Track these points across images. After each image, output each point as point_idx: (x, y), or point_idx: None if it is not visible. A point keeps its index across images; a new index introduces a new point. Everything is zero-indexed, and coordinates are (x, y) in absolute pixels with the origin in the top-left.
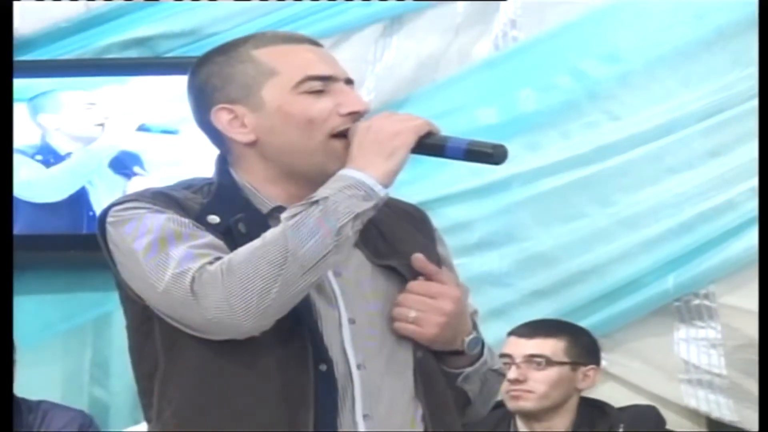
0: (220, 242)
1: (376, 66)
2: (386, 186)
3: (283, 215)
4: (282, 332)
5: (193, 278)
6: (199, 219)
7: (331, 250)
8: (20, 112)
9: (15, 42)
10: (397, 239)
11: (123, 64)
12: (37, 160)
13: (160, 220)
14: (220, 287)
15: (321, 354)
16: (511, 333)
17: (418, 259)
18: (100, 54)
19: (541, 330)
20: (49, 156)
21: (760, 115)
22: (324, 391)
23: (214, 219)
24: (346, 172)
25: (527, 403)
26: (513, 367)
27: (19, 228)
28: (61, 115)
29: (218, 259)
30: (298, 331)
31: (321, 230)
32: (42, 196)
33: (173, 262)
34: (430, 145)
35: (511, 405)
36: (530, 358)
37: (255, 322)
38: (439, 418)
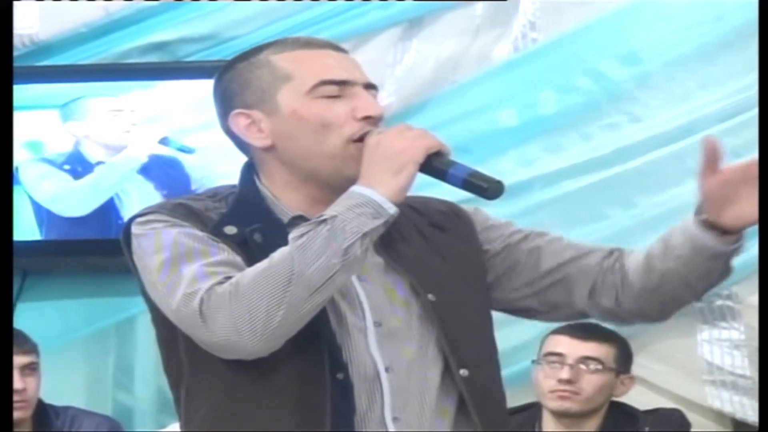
0: (234, 258)
1: (395, 68)
2: (396, 202)
3: (291, 235)
4: (299, 343)
5: (202, 300)
6: (217, 230)
7: (339, 270)
8: (52, 120)
9: (35, 47)
10: (418, 247)
11: (151, 68)
12: (65, 170)
13: (176, 236)
14: (227, 310)
15: (338, 363)
16: (560, 332)
17: None
18: (120, 59)
19: (595, 333)
20: (77, 165)
21: (760, 114)
22: (341, 400)
23: (231, 230)
24: (356, 189)
25: (573, 405)
26: (566, 367)
27: (46, 234)
28: (88, 122)
29: (229, 278)
30: (314, 341)
31: (328, 250)
32: (67, 210)
33: (185, 281)
34: (434, 166)
35: (555, 405)
36: (584, 360)
37: (262, 344)
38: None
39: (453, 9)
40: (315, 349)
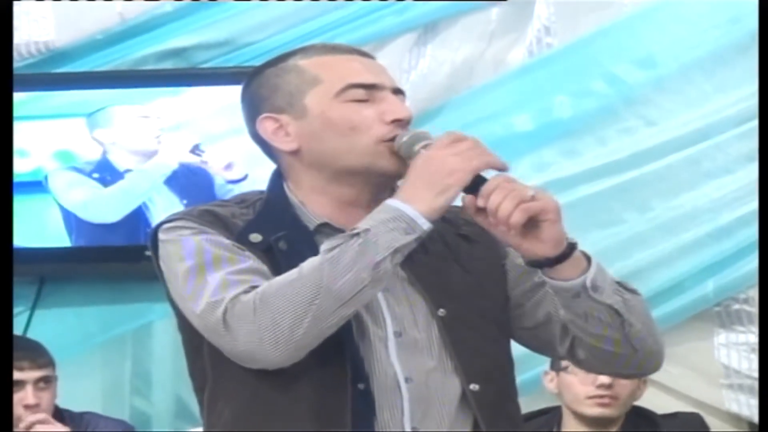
0: (260, 266)
1: (411, 74)
2: (431, 220)
3: (323, 246)
4: (321, 352)
5: (226, 309)
6: (242, 237)
7: (368, 285)
8: (80, 128)
9: (51, 55)
10: (439, 257)
11: (178, 74)
12: (94, 178)
13: (201, 243)
14: (251, 319)
15: (359, 372)
16: None
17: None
18: (136, 65)
19: None
20: (106, 174)
21: (760, 116)
22: (362, 410)
23: (256, 237)
24: (392, 202)
25: (614, 411)
26: None
27: (75, 241)
28: (115, 129)
29: (254, 287)
30: (337, 350)
31: (358, 264)
32: (98, 217)
33: (209, 290)
34: (472, 184)
35: (594, 411)
36: None
37: (285, 355)
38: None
39: (468, 14)
40: (337, 358)
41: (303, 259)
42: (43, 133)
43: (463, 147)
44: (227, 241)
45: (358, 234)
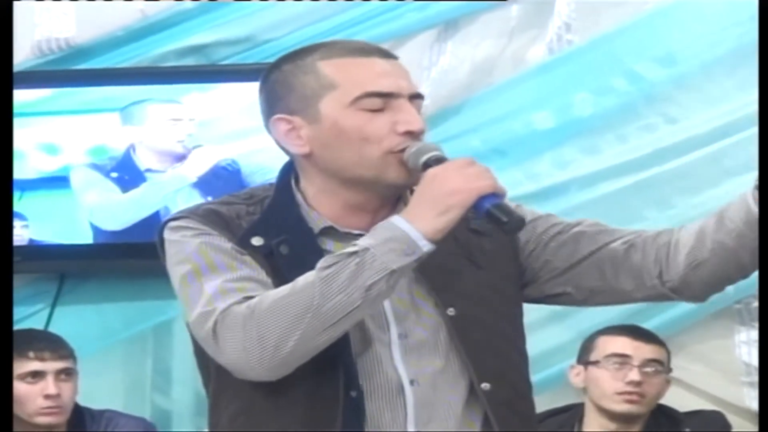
0: (257, 273)
1: (431, 71)
2: (434, 241)
3: (319, 264)
4: (317, 358)
5: (216, 321)
6: (244, 240)
7: (359, 306)
8: (113, 122)
9: (72, 51)
10: (449, 255)
11: (198, 71)
12: (112, 178)
13: (200, 247)
14: (240, 332)
15: (352, 380)
16: (618, 334)
17: None
18: (156, 62)
19: (652, 336)
20: (125, 173)
21: (760, 116)
22: (353, 418)
23: (258, 241)
24: (396, 220)
25: (640, 408)
26: (634, 369)
27: (96, 237)
28: (145, 127)
29: (249, 297)
30: (331, 357)
31: (352, 285)
32: (106, 224)
33: (204, 298)
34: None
35: (621, 407)
36: (649, 363)
37: (269, 371)
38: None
39: (488, 11)
40: (331, 365)
41: (305, 263)
42: (73, 129)
43: (470, 170)
44: (228, 245)
45: (356, 252)
